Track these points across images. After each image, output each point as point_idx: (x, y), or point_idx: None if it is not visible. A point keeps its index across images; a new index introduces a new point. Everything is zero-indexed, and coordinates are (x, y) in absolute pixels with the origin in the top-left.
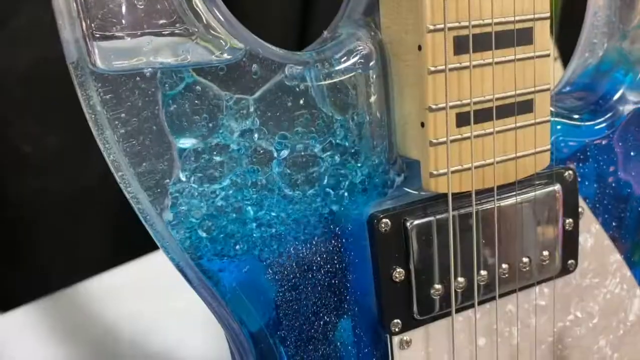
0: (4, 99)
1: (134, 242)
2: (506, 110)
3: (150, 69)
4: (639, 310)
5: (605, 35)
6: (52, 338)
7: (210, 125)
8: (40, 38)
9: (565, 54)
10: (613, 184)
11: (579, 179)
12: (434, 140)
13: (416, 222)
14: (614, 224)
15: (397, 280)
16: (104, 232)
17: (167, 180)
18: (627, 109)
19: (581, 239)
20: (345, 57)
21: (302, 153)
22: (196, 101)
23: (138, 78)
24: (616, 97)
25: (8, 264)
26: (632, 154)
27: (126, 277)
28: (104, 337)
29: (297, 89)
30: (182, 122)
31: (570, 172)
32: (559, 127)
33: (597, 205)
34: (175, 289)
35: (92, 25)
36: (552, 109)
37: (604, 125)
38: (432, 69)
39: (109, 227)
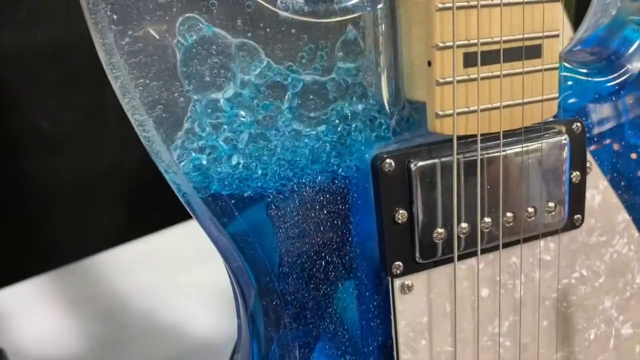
0: (21, 76)
1: (146, 219)
2: (514, 54)
3: None
4: None
5: None
6: (64, 309)
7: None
8: (56, 17)
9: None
10: (622, 142)
11: (588, 135)
12: (441, 80)
13: (420, 163)
14: (622, 183)
15: (399, 222)
16: (117, 208)
17: (177, 112)
18: (638, 66)
19: (588, 195)
20: None
21: (310, 87)
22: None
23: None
24: (628, 54)
25: (22, 237)
26: None
27: (137, 252)
28: (114, 309)
29: (301, 26)
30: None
31: (579, 124)
32: (569, 82)
33: (606, 163)
34: (185, 265)
35: None
36: (565, 64)
37: (614, 82)
38: (440, 5)
39: (122, 204)
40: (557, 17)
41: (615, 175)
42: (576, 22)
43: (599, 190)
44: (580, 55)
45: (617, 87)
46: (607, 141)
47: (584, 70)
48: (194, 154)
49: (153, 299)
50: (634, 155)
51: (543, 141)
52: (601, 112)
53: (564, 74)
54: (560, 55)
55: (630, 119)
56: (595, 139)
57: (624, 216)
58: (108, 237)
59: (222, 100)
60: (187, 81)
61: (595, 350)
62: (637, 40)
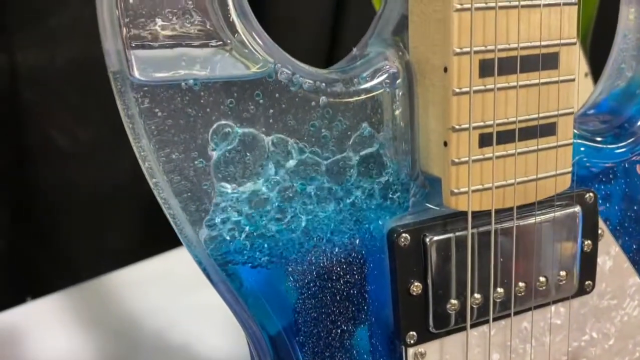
0: (42, 93)
1: (160, 237)
2: (529, 133)
3: (186, 81)
4: None
5: (635, 58)
6: (78, 327)
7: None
8: (78, 36)
9: (597, 70)
10: (635, 207)
11: (601, 201)
12: (456, 160)
13: (435, 237)
14: (634, 246)
15: (414, 293)
16: (131, 226)
17: (205, 199)
18: None
19: (600, 260)
20: (372, 76)
21: (333, 167)
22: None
23: (175, 89)
24: None
25: (39, 253)
26: None
27: (151, 271)
28: (127, 328)
29: (323, 104)
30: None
31: (591, 194)
32: (582, 148)
33: (618, 228)
34: (198, 285)
35: (131, 36)
36: (576, 131)
37: (627, 148)
38: (457, 90)
39: (137, 222)
40: (572, 95)
41: (627, 239)
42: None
43: (610, 256)
44: (592, 122)
45: (630, 154)
46: (618, 207)
47: (598, 139)
48: (219, 236)
49: (165, 318)
50: None
51: (556, 213)
52: (613, 179)
53: (577, 141)
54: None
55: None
56: (608, 205)
57: (635, 280)
58: (122, 255)
59: (253, 188)
60: (219, 175)
61: None
62: None
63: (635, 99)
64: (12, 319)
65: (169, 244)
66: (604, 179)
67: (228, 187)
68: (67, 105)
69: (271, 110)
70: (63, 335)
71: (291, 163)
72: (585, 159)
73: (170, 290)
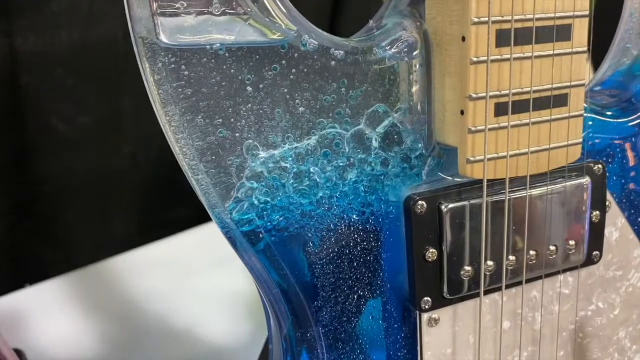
0: (41, 79)
1: (161, 222)
2: (542, 103)
3: (212, 45)
4: None
5: None
6: (80, 311)
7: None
8: (76, 22)
9: (595, 56)
10: None
11: (608, 174)
12: (472, 128)
13: (451, 205)
14: (639, 219)
15: (429, 260)
16: (132, 211)
17: (229, 157)
18: None
19: (607, 232)
20: (390, 45)
21: (354, 136)
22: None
23: (201, 53)
24: None
25: (39, 238)
26: None
27: (152, 256)
28: (128, 312)
29: (342, 72)
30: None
31: (600, 166)
32: (590, 122)
33: (624, 200)
34: (199, 270)
35: (158, 4)
36: (585, 105)
37: (635, 123)
38: (475, 59)
39: (138, 207)
40: (583, 67)
41: (632, 212)
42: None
43: (616, 227)
44: (599, 96)
45: (636, 129)
46: (626, 180)
47: (607, 112)
48: (242, 202)
49: (167, 302)
50: None
51: (566, 183)
52: (621, 153)
53: (587, 114)
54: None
55: None
56: (615, 178)
57: (639, 251)
58: (124, 240)
59: (275, 157)
60: (243, 143)
61: None
62: None
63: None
64: (12, 304)
65: (168, 230)
66: (611, 152)
67: (251, 155)
68: (67, 90)
69: (293, 78)
70: (63, 320)
71: (313, 132)
72: (593, 132)
73: (171, 275)
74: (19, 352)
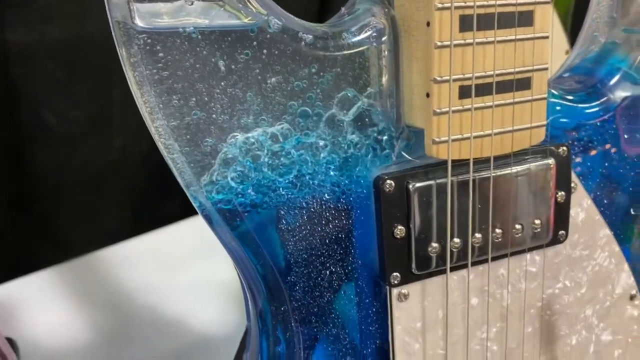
0: (32, 72)
1: (152, 215)
2: (505, 86)
3: (185, 28)
4: (625, 283)
5: (607, 24)
6: (72, 301)
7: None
8: (67, 15)
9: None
10: (606, 164)
11: (574, 157)
12: (437, 110)
13: (418, 184)
14: (605, 201)
15: (398, 237)
16: (124, 203)
17: (204, 137)
18: (622, 94)
19: (573, 212)
20: (359, 31)
21: (325, 120)
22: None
23: (175, 37)
24: (612, 82)
25: (32, 231)
26: (625, 137)
27: (143, 247)
28: (120, 302)
29: (313, 57)
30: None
31: (564, 148)
32: (557, 107)
33: (590, 183)
34: (189, 261)
35: None
36: (553, 91)
37: (599, 108)
38: (439, 43)
39: (129, 199)
40: (546, 52)
41: (598, 194)
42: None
43: (582, 208)
44: (567, 82)
45: (601, 114)
46: (591, 163)
47: (571, 97)
48: (217, 181)
49: (157, 293)
50: (615, 177)
51: (531, 164)
52: (586, 137)
53: (553, 100)
54: (549, 83)
55: (612, 143)
56: (581, 161)
57: (605, 232)
58: (115, 232)
59: (249, 137)
60: (216, 124)
61: (576, 354)
62: (620, 71)
63: (606, 62)
64: (4, 294)
65: (159, 223)
66: (577, 136)
67: (225, 136)
68: (58, 84)
69: (264, 61)
70: (55, 310)
71: (285, 115)
72: (560, 117)
73: (161, 266)
74: (10, 341)
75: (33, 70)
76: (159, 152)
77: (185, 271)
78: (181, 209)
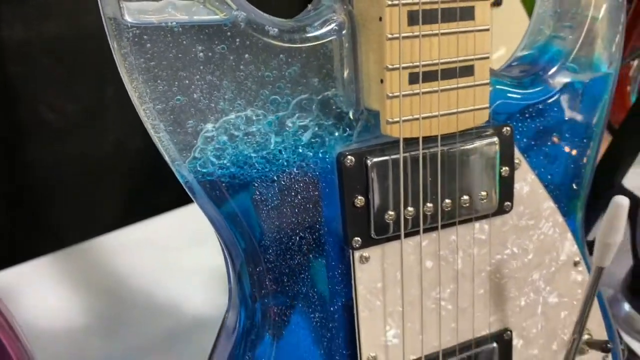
0: (28, 68)
1: (145, 204)
2: (450, 73)
3: (168, 23)
4: (569, 251)
5: (552, 17)
6: (69, 287)
7: (218, 74)
8: (63, 11)
9: None
10: (548, 143)
11: (519, 136)
12: (390, 94)
13: (374, 159)
14: (548, 176)
15: (358, 206)
16: (118, 193)
17: (187, 119)
18: (561, 82)
19: (518, 186)
20: (322, 25)
21: (295, 105)
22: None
23: (160, 31)
24: (553, 71)
25: (30, 220)
26: (565, 119)
27: (137, 235)
28: (115, 287)
29: (280, 49)
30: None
31: (508, 128)
32: (505, 93)
33: (534, 160)
34: (182, 248)
35: None
36: (500, 79)
37: (540, 93)
38: (390, 36)
39: (123, 189)
40: (487, 42)
41: (542, 170)
42: None
43: (527, 182)
44: (515, 70)
45: (542, 99)
46: (535, 142)
47: (517, 83)
48: (198, 158)
49: (151, 278)
50: (556, 155)
51: (477, 142)
52: (529, 119)
53: (499, 87)
54: (496, 71)
55: (553, 125)
56: (525, 141)
57: (549, 204)
58: (110, 220)
59: (226, 120)
60: (196, 107)
61: (525, 315)
62: (559, 61)
63: (548, 53)
64: (3, 280)
65: (152, 211)
66: (521, 118)
67: (204, 118)
68: (54, 79)
69: (238, 53)
70: (53, 295)
71: (257, 102)
72: (506, 101)
73: (155, 252)
74: None
75: (29, 65)
76: (152, 146)
77: (178, 258)
78: (173, 200)
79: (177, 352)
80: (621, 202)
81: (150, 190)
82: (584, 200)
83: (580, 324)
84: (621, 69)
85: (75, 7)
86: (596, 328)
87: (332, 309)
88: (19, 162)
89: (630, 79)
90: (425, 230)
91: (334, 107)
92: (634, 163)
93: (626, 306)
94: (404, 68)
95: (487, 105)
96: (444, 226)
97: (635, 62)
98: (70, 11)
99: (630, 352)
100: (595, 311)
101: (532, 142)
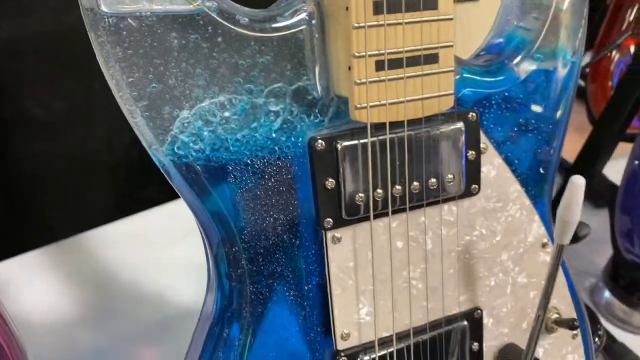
0: (16, 65)
1: (133, 199)
2: (414, 60)
3: (142, 12)
4: (537, 233)
5: (519, 9)
6: (58, 280)
7: (192, 61)
8: (49, 8)
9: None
10: (514, 128)
11: (485, 122)
12: (358, 81)
13: (344, 143)
14: (515, 160)
15: (329, 188)
16: (106, 188)
17: (162, 105)
18: (526, 69)
19: (485, 169)
20: (292, 15)
21: (268, 92)
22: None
23: (135, 20)
24: (517, 60)
25: (20, 214)
26: (531, 105)
27: (126, 229)
28: (104, 281)
29: (252, 38)
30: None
31: (474, 114)
32: (470, 80)
33: (501, 145)
34: (169, 242)
35: None
36: (468, 67)
37: (506, 81)
38: (356, 25)
39: (111, 185)
40: (450, 31)
41: (509, 154)
42: None
43: (494, 166)
44: (482, 59)
45: (508, 86)
46: (501, 128)
47: (484, 71)
48: (174, 143)
49: (141, 271)
50: (522, 140)
51: (443, 127)
52: (496, 106)
53: (467, 75)
54: (466, 60)
55: (519, 111)
56: (492, 126)
57: (516, 187)
58: (99, 215)
59: (201, 107)
60: (172, 95)
61: (495, 294)
62: (523, 50)
63: (513, 43)
64: None
65: (140, 206)
66: (487, 104)
67: (179, 105)
68: (41, 74)
69: (211, 42)
70: (44, 288)
71: (230, 89)
72: (474, 88)
73: (144, 246)
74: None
75: (16, 63)
76: (139, 143)
77: (167, 251)
78: (162, 193)
79: (166, 344)
80: (578, 182)
81: (140, 184)
82: (552, 184)
83: (545, 300)
84: (603, 64)
85: (61, 2)
86: (565, 307)
87: (306, 287)
88: (8, 157)
89: (611, 74)
90: (395, 212)
91: (306, 94)
92: (617, 156)
93: (607, 294)
94: (370, 56)
95: (452, 91)
96: (412, 208)
97: (616, 57)
98: (56, 7)
99: (610, 337)
100: (564, 291)
101: (499, 128)
